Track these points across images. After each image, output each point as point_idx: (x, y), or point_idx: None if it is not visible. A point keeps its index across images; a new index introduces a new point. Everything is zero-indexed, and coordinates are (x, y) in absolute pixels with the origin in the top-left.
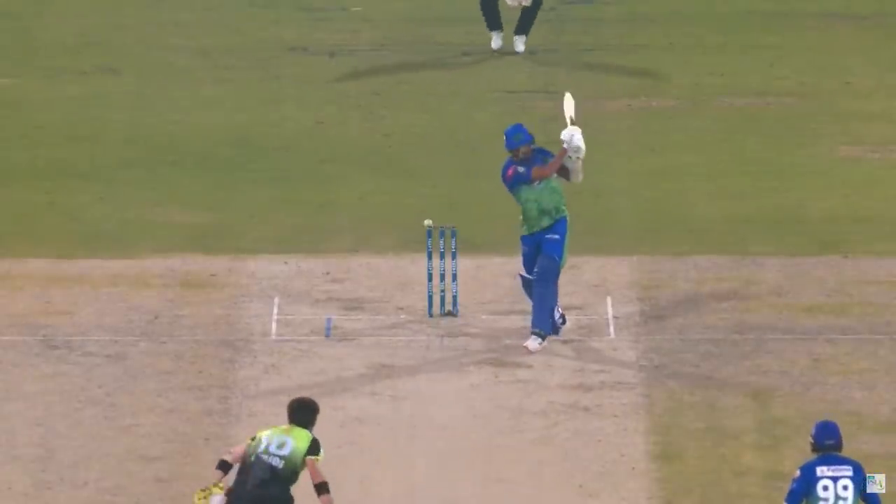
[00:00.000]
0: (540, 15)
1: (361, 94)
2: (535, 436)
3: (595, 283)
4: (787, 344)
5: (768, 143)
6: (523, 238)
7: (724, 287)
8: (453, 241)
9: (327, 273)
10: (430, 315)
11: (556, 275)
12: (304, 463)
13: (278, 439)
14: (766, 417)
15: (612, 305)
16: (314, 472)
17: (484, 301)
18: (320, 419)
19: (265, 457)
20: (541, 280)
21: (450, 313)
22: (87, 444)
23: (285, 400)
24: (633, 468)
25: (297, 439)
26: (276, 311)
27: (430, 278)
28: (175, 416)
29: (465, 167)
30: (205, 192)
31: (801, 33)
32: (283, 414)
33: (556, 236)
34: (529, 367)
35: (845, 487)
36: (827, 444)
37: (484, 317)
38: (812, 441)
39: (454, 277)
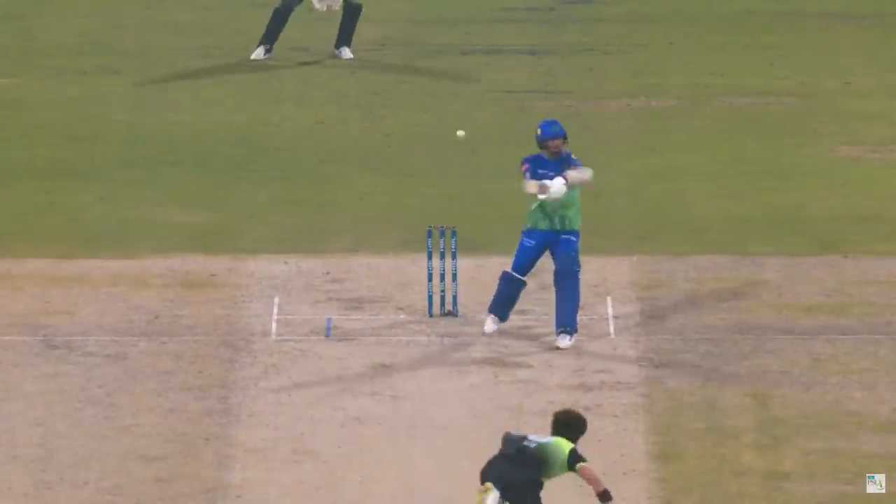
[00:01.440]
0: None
1: (361, 94)
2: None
3: (595, 283)
4: (787, 344)
5: (768, 143)
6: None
7: (724, 287)
8: (453, 241)
9: (327, 273)
10: (430, 315)
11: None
12: (559, 464)
13: (541, 435)
14: (766, 417)
15: (612, 305)
16: (592, 478)
17: (484, 301)
18: (320, 419)
19: (520, 440)
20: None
21: (450, 313)
22: (87, 444)
23: (285, 400)
24: (633, 468)
25: (558, 441)
26: (276, 311)
27: (430, 278)
28: (175, 416)
29: (465, 167)
30: (205, 192)
31: (801, 33)
32: (283, 414)
33: (572, 238)
34: (529, 367)
35: None
36: None
37: (484, 317)
38: None
39: (454, 277)
